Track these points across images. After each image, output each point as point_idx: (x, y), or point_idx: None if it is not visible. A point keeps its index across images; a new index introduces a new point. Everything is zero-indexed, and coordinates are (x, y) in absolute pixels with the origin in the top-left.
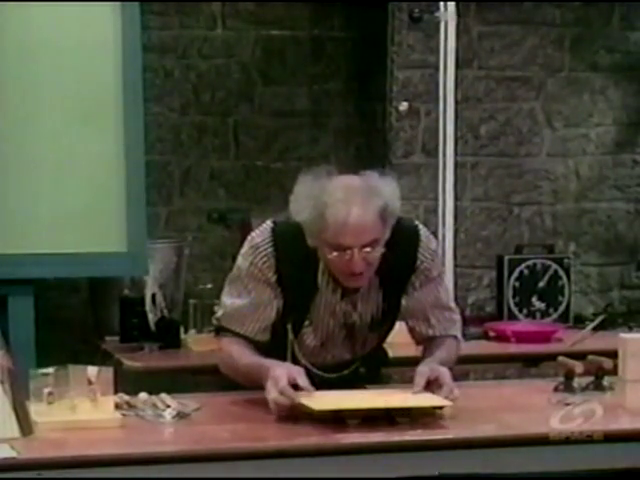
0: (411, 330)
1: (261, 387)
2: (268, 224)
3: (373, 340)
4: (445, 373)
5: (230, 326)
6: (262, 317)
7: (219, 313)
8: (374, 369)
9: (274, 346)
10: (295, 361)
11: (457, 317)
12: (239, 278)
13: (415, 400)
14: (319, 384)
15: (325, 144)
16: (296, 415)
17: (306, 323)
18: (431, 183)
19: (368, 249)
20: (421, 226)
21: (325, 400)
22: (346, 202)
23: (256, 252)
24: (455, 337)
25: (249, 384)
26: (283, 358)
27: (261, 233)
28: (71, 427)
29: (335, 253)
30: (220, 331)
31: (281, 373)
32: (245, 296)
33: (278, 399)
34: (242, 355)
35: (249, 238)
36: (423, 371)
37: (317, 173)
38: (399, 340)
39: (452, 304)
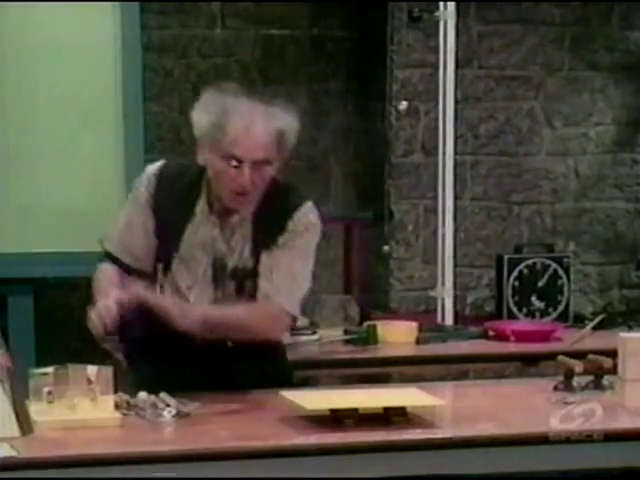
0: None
1: None
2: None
3: (230, 293)
4: None
5: (105, 246)
6: (132, 236)
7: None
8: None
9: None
10: None
11: (301, 293)
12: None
13: (410, 399)
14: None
15: (325, 144)
16: (293, 415)
17: (176, 261)
18: (430, 182)
19: (258, 167)
20: (311, 204)
21: (320, 400)
22: (248, 116)
23: (142, 176)
24: (282, 309)
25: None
26: None
27: (153, 164)
28: (71, 426)
29: (226, 164)
30: (101, 258)
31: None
32: (121, 218)
33: (99, 308)
34: (105, 285)
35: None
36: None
37: (224, 89)
38: (397, 340)
39: (305, 283)
